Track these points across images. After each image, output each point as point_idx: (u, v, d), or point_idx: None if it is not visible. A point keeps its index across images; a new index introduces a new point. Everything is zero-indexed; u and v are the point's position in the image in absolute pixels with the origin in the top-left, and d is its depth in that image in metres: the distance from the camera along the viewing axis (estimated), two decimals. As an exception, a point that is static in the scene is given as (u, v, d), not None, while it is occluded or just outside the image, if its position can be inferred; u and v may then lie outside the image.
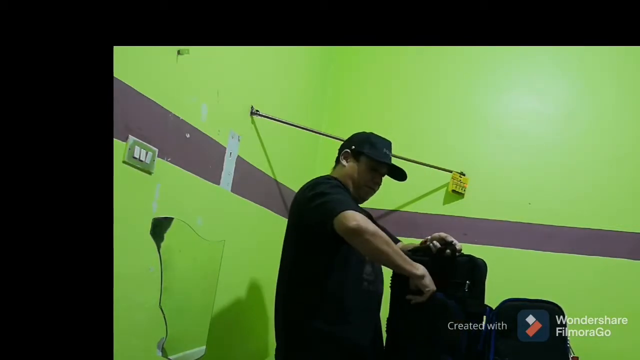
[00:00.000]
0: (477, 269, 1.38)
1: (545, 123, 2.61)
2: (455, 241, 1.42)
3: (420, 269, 1.33)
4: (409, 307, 1.35)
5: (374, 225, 1.30)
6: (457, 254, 1.41)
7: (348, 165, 1.55)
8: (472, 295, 1.35)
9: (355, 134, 1.62)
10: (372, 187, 1.56)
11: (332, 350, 1.36)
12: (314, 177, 1.52)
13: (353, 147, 1.56)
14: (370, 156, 1.52)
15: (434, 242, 1.44)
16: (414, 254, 1.44)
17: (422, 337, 1.34)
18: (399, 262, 1.30)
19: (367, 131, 1.62)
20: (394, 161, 1.60)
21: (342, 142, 1.65)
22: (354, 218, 1.25)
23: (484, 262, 1.40)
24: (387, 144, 1.59)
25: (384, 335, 1.49)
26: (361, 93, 2.86)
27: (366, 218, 1.30)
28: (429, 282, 1.32)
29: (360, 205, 1.56)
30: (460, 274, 1.36)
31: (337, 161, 1.61)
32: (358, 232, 1.24)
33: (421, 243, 1.51)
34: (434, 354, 1.32)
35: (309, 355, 1.36)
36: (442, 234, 1.44)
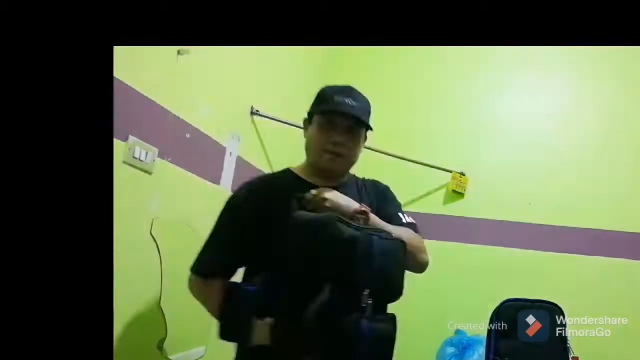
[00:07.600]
0: None
1: (545, 123, 2.61)
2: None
3: None
4: None
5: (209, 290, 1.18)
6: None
7: (306, 134, 1.29)
8: None
9: None
10: (332, 149, 1.21)
11: None
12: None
13: (308, 111, 1.28)
14: (316, 112, 1.24)
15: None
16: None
17: None
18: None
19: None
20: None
21: None
22: (190, 287, 1.20)
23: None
24: (341, 88, 1.27)
25: None
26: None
27: (203, 286, 1.19)
28: None
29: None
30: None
31: None
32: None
33: None
34: None
35: None
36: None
